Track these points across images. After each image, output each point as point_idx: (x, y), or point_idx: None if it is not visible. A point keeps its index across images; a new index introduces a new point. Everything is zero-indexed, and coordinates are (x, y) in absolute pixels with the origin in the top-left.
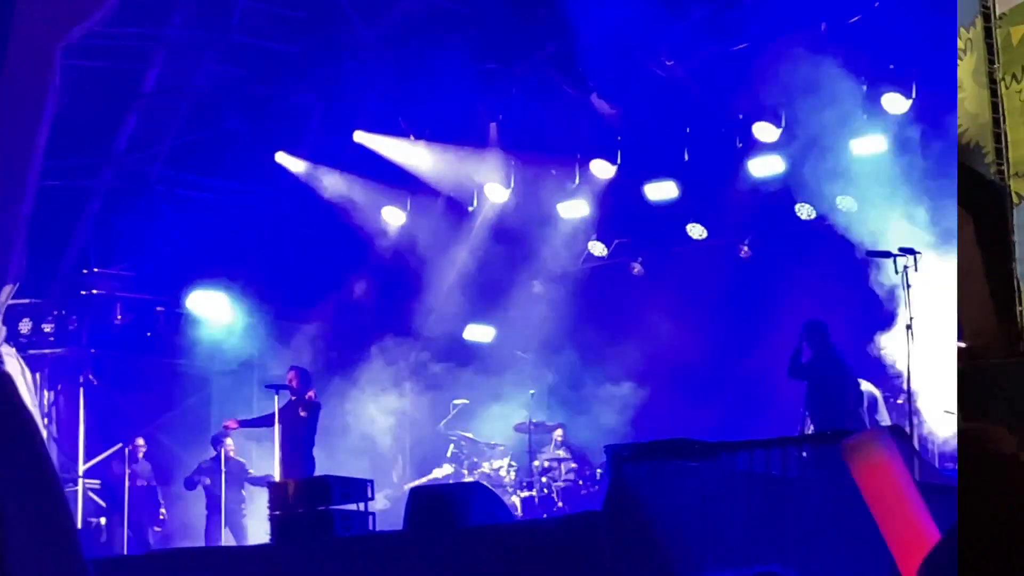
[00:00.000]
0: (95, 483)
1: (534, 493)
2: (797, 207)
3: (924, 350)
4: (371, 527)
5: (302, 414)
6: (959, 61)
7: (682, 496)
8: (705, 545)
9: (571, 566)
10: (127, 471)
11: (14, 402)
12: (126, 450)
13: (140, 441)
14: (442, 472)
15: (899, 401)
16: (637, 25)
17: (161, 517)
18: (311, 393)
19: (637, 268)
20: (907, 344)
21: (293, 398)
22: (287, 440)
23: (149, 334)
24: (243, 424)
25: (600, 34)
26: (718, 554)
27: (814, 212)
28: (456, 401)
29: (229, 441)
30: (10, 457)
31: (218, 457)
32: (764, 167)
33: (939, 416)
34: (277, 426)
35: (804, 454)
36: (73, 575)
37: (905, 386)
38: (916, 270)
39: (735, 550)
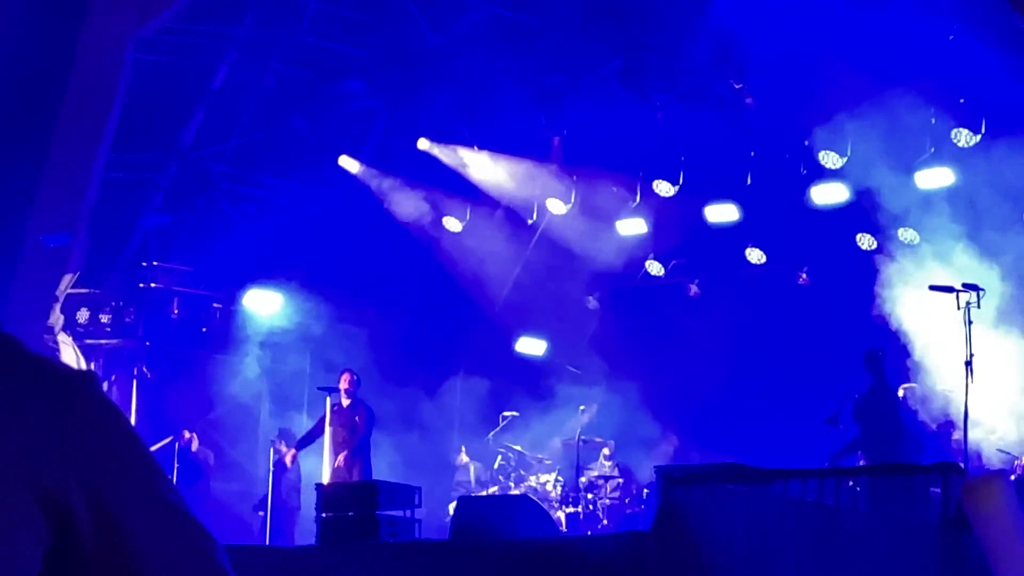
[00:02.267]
0: None
1: (579, 509)
2: (858, 237)
3: (982, 387)
4: (417, 534)
5: (356, 420)
6: None
7: (732, 521)
8: (753, 572)
9: None
10: (175, 464)
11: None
12: (176, 443)
13: (188, 434)
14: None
15: (955, 437)
16: (707, 45)
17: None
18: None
19: (694, 289)
20: (965, 380)
21: (347, 401)
22: (340, 445)
23: (204, 329)
24: (300, 447)
25: (669, 52)
26: None
27: (875, 242)
28: (506, 413)
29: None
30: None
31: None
32: (827, 195)
33: (993, 454)
34: (328, 429)
35: (858, 487)
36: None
37: (961, 423)
38: (979, 307)
39: None
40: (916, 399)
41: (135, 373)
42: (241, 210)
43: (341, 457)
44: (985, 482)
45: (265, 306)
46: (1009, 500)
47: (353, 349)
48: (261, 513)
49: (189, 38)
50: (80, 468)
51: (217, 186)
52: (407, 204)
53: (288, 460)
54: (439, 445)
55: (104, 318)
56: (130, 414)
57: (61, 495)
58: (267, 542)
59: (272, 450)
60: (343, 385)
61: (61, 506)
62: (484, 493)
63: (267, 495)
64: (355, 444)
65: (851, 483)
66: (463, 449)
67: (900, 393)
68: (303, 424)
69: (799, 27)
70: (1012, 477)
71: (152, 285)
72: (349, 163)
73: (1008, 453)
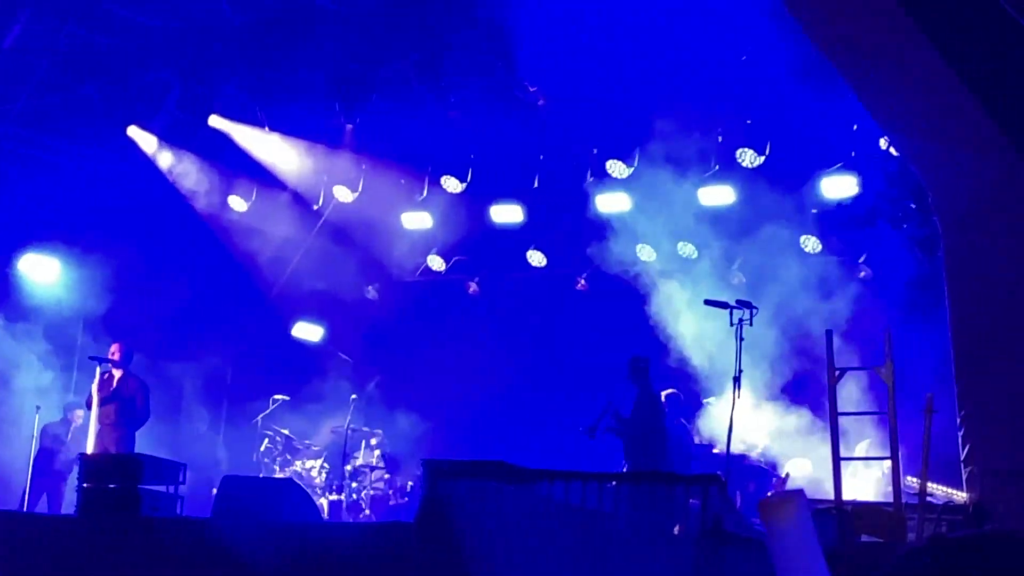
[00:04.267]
0: None
1: (343, 497)
2: (639, 247)
3: (748, 403)
4: (179, 510)
5: (125, 391)
6: None
7: (496, 518)
8: (514, 570)
9: (375, 575)
10: None
11: None
12: None
13: None
14: None
15: (717, 450)
16: (505, 46)
17: None
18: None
19: (473, 287)
20: (732, 395)
21: (118, 372)
22: (107, 416)
23: None
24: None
25: (467, 50)
26: None
27: (655, 254)
28: (276, 396)
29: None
30: None
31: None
32: (612, 203)
33: (754, 468)
34: (96, 398)
35: (621, 490)
36: None
37: (726, 436)
38: (751, 324)
39: None
40: (681, 405)
41: None
42: (25, 172)
43: (107, 428)
44: (782, 500)
45: (41, 272)
46: (802, 519)
47: (128, 320)
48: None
49: None
50: None
51: (2, 146)
52: (194, 180)
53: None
54: (207, 425)
55: None
56: None
57: None
58: (24, 509)
59: (37, 420)
60: (113, 355)
61: None
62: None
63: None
64: (123, 416)
65: (617, 487)
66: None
67: (663, 399)
68: (72, 393)
69: (596, 36)
70: (770, 493)
71: None
72: (138, 134)
73: (767, 467)
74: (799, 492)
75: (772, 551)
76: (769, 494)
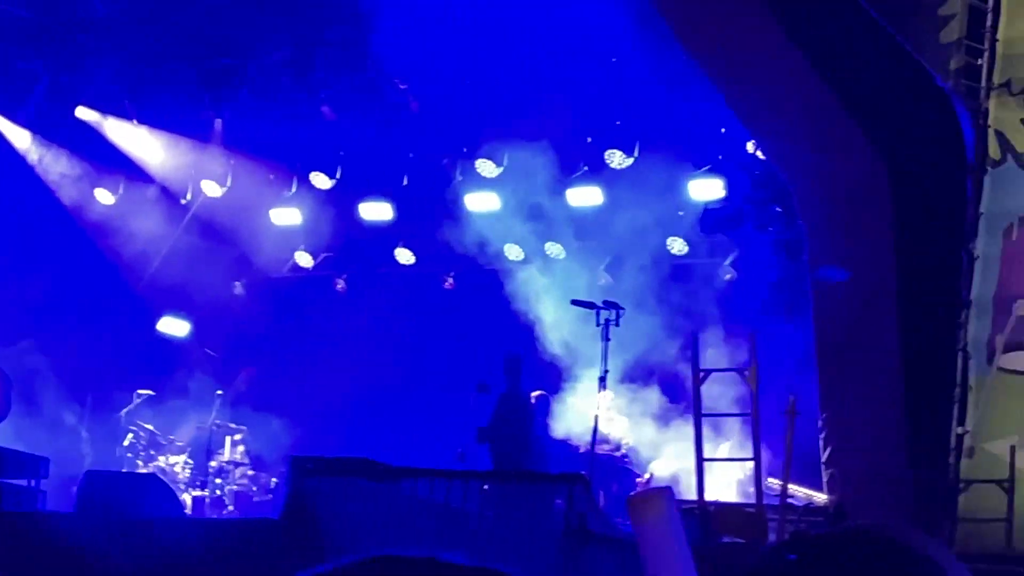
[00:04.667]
0: None
1: (206, 493)
2: (507, 247)
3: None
4: (41, 505)
5: None
6: None
7: (361, 515)
8: None
9: (239, 570)
10: None
11: None
12: None
13: None
14: None
15: (582, 450)
16: (377, 44)
17: None
18: None
19: (341, 284)
20: (598, 395)
21: None
22: None
23: None
24: None
25: (338, 47)
26: None
27: (523, 254)
28: (140, 391)
29: None
30: None
31: None
32: (481, 203)
33: (617, 468)
34: None
35: (485, 489)
36: None
37: (590, 435)
38: (617, 324)
39: None
40: (550, 409)
41: None
42: None
43: None
44: (649, 497)
45: None
46: (670, 515)
47: None
48: None
49: None
50: None
51: None
52: (60, 172)
53: None
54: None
55: None
56: None
57: None
58: None
59: None
60: None
61: None
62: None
63: None
64: None
65: (482, 487)
66: None
67: (532, 400)
68: None
69: (468, 36)
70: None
71: None
72: (4, 124)
73: (631, 468)
74: (667, 488)
75: (640, 548)
76: (636, 491)
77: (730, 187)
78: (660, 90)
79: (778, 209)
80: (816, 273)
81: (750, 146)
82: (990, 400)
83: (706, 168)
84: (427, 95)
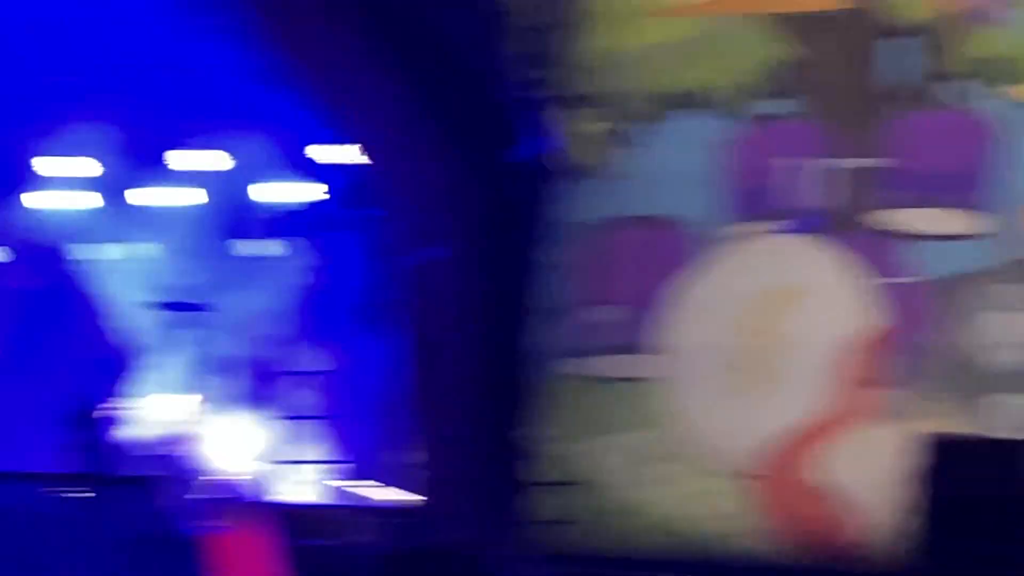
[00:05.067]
0: None
1: None
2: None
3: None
4: None
5: None
6: None
7: None
8: None
9: None
10: None
11: None
12: None
13: None
14: None
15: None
16: None
17: None
18: None
19: None
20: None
21: None
22: None
23: None
24: None
25: None
26: None
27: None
28: None
29: None
30: None
31: None
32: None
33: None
34: None
35: (70, 492)
36: None
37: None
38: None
39: None
40: None
41: None
42: None
43: None
44: (223, 501)
45: None
46: (244, 515)
47: None
48: None
49: None
50: None
51: None
52: None
53: None
54: None
55: None
56: None
57: None
58: None
59: None
60: None
61: None
62: None
63: None
64: None
65: (62, 488)
66: None
67: None
68: None
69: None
70: (212, 496)
71: None
72: None
73: (208, 470)
74: (243, 489)
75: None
76: (211, 497)
77: (322, 191)
78: (247, 89)
79: (372, 214)
80: (401, 270)
81: (344, 150)
82: (566, 404)
83: (297, 171)
84: None
